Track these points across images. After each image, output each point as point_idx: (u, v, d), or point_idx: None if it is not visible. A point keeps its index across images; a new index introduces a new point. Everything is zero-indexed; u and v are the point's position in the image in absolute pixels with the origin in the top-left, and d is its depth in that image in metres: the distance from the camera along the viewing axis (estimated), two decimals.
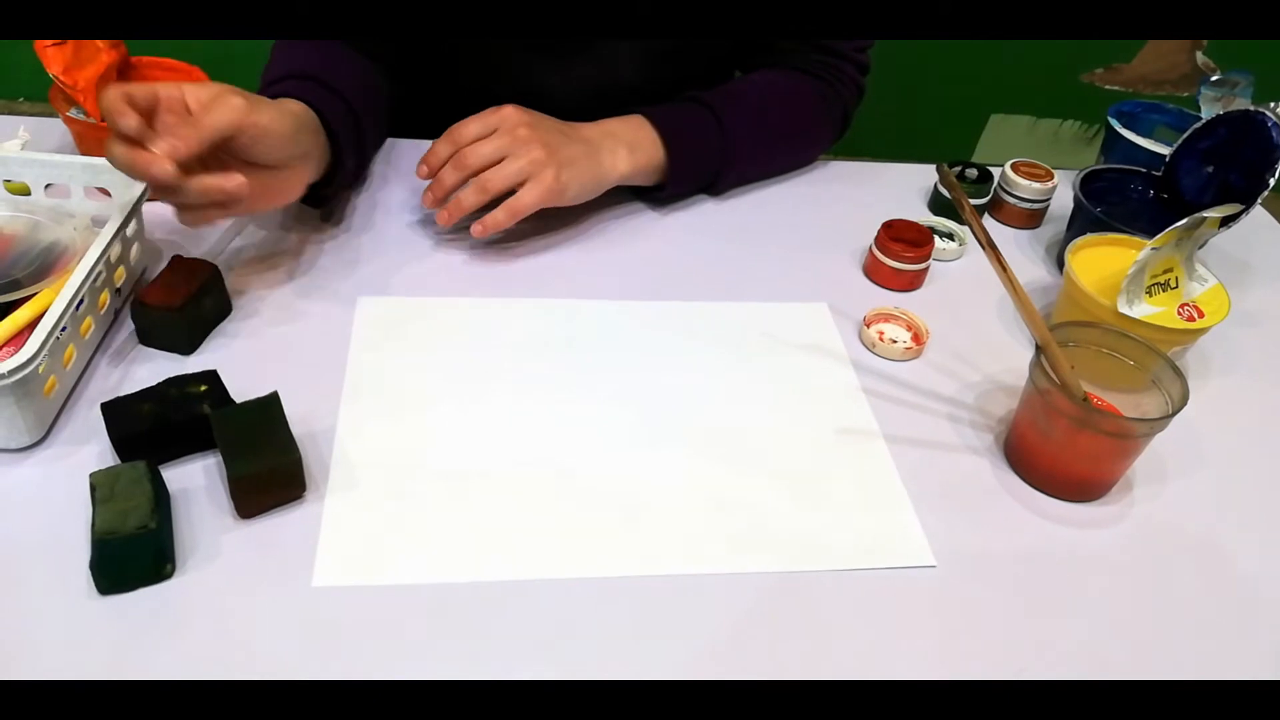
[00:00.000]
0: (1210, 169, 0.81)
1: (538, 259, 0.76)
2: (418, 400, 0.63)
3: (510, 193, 0.71)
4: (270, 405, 0.56)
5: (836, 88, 0.87)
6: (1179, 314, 0.69)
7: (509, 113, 0.71)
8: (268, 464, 0.53)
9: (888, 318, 0.74)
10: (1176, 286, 0.71)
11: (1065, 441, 0.60)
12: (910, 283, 0.78)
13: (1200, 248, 0.72)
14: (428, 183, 0.74)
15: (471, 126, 0.71)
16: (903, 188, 0.91)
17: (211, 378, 0.59)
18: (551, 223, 0.78)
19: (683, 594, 0.54)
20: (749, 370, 0.69)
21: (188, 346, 0.63)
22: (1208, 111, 0.87)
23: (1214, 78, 0.91)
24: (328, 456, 0.58)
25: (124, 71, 0.78)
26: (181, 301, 0.62)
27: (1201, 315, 0.69)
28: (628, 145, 0.76)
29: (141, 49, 0.79)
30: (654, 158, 0.78)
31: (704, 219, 0.83)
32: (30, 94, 1.58)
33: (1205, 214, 0.68)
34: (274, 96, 0.66)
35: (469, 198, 0.71)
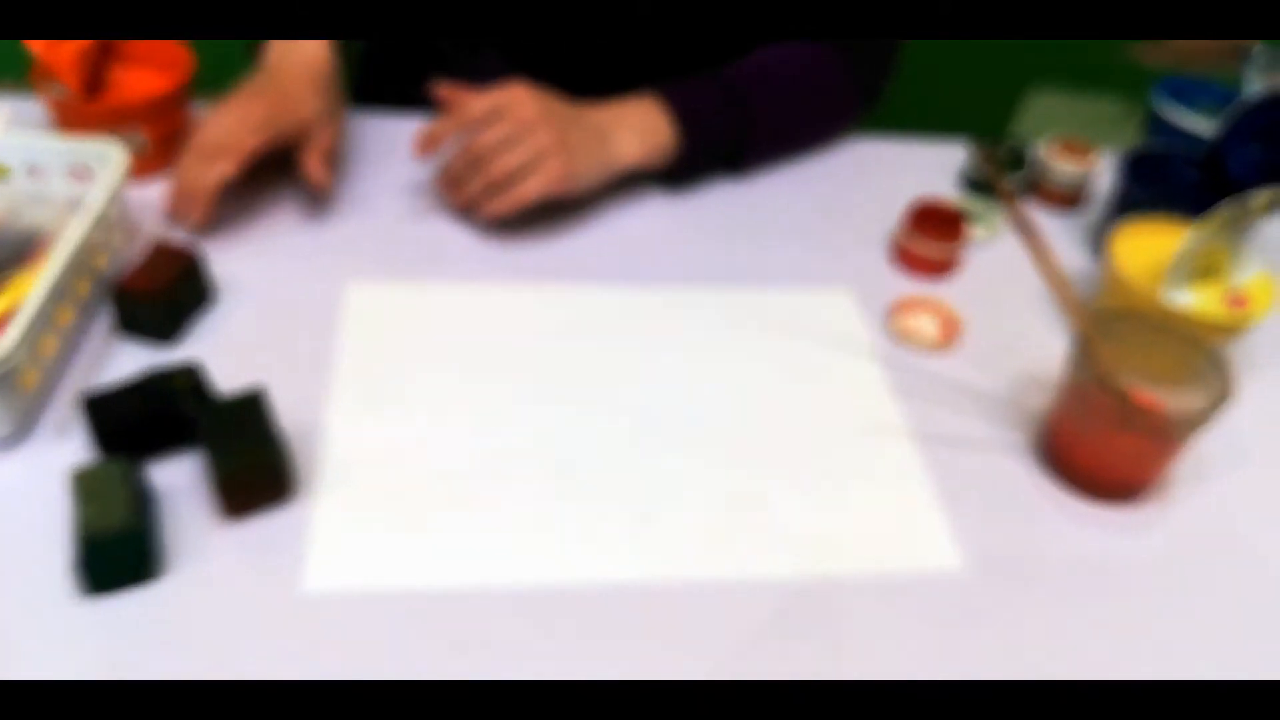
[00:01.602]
0: (1259, 149, 0.78)
1: (543, 242, 0.74)
2: (413, 393, 0.61)
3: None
4: (256, 400, 0.54)
5: (865, 58, 0.84)
6: (1226, 303, 0.68)
7: (518, 93, 0.70)
8: (253, 461, 0.52)
9: (916, 306, 0.71)
10: (1223, 274, 0.69)
11: (1104, 439, 0.59)
12: (940, 269, 0.76)
13: (1248, 232, 0.69)
14: (424, 161, 0.73)
15: (477, 107, 0.69)
16: (932, 166, 0.88)
17: (195, 371, 0.57)
18: (559, 204, 0.76)
19: (696, 599, 0.52)
20: (767, 361, 0.67)
21: (169, 335, 0.62)
22: (1256, 90, 0.84)
23: (1259, 54, 0.89)
24: (318, 454, 0.57)
25: (107, 48, 0.76)
26: (163, 287, 0.60)
27: (1249, 304, 0.68)
28: (639, 132, 0.74)
29: None
30: (666, 143, 0.76)
31: (720, 199, 0.81)
32: (13, 73, 1.55)
33: (1254, 196, 0.66)
34: None
35: (475, 187, 0.70)
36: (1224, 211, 0.65)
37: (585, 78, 0.77)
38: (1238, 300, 0.67)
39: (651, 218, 0.78)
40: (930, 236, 0.74)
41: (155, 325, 0.61)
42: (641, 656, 0.50)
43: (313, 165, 0.69)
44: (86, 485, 0.50)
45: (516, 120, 0.68)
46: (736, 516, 0.57)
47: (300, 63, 0.70)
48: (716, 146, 0.79)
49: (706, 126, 0.77)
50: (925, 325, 0.70)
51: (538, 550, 0.53)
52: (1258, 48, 0.88)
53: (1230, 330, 0.67)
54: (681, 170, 0.78)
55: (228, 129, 0.66)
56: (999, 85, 1.72)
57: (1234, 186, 0.78)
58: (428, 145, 0.71)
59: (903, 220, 0.75)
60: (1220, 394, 0.58)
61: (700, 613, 0.52)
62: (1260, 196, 0.66)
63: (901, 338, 0.69)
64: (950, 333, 0.69)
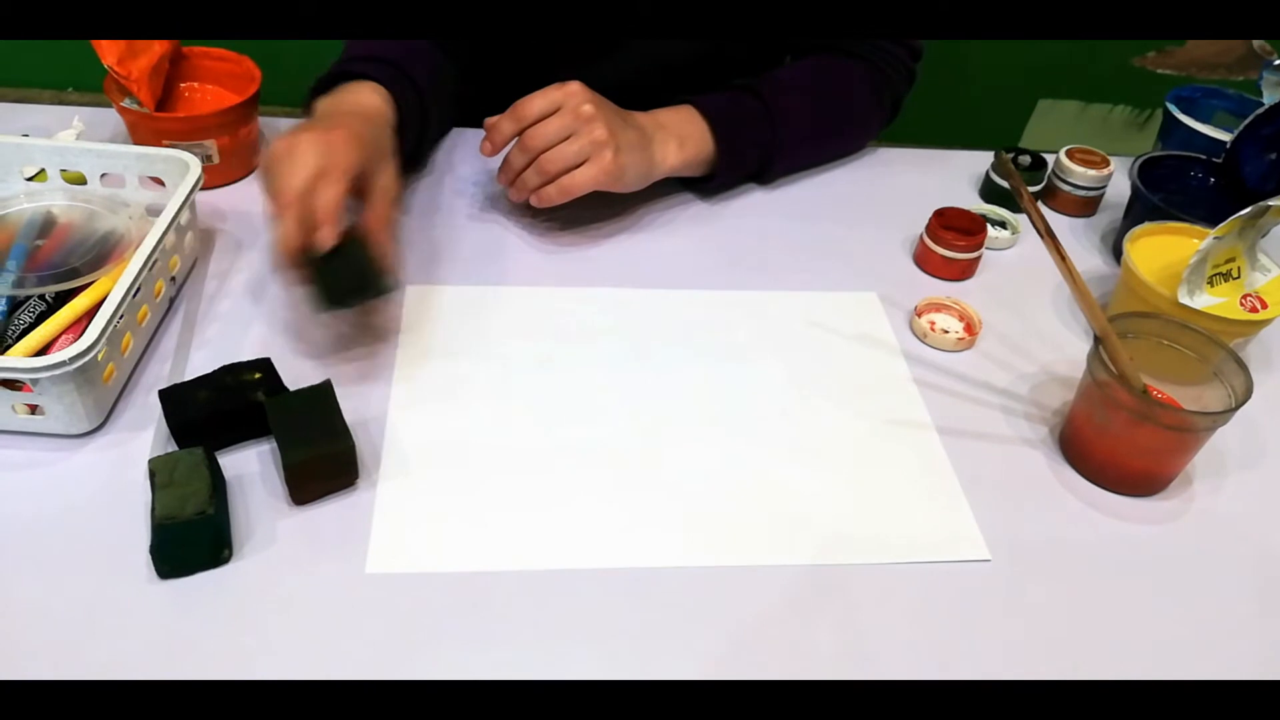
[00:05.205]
0: (1273, 155, 0.79)
1: (585, 248, 0.76)
2: (468, 388, 0.63)
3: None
4: (323, 393, 0.56)
5: (888, 73, 0.86)
6: (1241, 305, 0.68)
7: (574, 89, 0.70)
8: (321, 451, 0.54)
9: (939, 307, 0.73)
10: (1239, 277, 0.69)
11: (1123, 435, 0.59)
12: (962, 272, 0.77)
13: (1263, 237, 0.70)
14: (481, 169, 0.73)
15: (536, 104, 0.70)
16: (953, 175, 0.89)
17: (265, 365, 0.59)
18: (600, 211, 0.78)
19: (729, 586, 0.54)
20: (797, 360, 0.68)
21: (333, 301, 0.60)
22: (1270, 97, 0.85)
23: (1276, 62, 0.89)
24: (380, 444, 0.59)
25: (176, 62, 0.79)
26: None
27: (1265, 306, 0.68)
28: (678, 139, 0.76)
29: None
30: (703, 151, 0.77)
31: (752, 207, 0.83)
32: (79, 84, 1.60)
33: (1270, 202, 0.66)
34: (355, 73, 0.70)
35: (530, 179, 0.71)
36: (1240, 216, 0.65)
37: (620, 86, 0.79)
38: (1255, 304, 0.68)
39: (688, 226, 0.79)
40: (953, 241, 0.75)
41: (354, 284, 0.59)
42: (681, 639, 0.51)
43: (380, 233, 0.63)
44: (163, 473, 0.51)
45: (573, 114, 0.69)
46: (769, 506, 0.58)
47: (353, 104, 0.68)
48: (749, 157, 0.81)
49: (740, 138, 0.79)
50: (949, 325, 0.71)
51: (580, 536, 0.55)
52: (1276, 59, 0.89)
53: (1246, 328, 0.67)
54: (714, 179, 0.80)
55: (317, 154, 0.60)
56: (1012, 95, 1.73)
57: (1249, 192, 0.79)
58: (491, 136, 0.72)
59: (927, 226, 0.77)
60: (1238, 391, 0.58)
61: (734, 597, 0.53)
62: (1276, 202, 0.66)
63: (926, 337, 0.71)
64: (972, 332, 0.71)
